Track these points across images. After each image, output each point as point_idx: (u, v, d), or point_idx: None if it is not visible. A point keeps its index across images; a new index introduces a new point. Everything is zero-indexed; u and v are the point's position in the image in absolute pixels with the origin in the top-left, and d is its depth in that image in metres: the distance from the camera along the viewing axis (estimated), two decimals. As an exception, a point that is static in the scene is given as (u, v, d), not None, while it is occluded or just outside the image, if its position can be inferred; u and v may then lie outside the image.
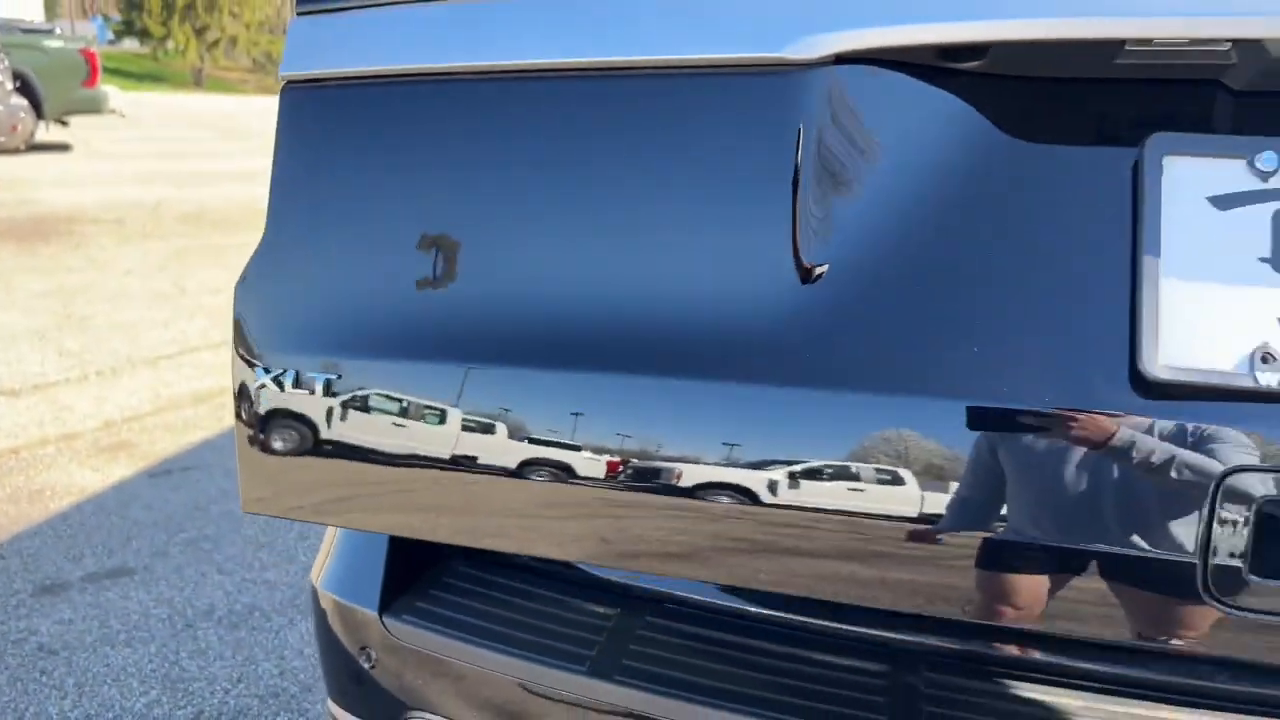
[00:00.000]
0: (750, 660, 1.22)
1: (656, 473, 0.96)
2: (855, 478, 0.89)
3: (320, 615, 1.44)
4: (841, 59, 0.91)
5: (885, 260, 0.90)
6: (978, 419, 0.86)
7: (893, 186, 0.91)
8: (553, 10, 1.02)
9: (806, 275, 0.91)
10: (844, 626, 1.25)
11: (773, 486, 0.92)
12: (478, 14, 1.05)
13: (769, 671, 1.21)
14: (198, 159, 14.03)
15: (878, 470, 0.88)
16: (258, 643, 2.81)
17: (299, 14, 1.13)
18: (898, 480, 0.88)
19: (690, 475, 0.95)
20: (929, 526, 0.88)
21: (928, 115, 0.92)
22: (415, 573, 1.40)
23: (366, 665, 1.37)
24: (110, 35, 41.31)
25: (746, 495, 0.93)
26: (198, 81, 37.52)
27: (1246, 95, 0.87)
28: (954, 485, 0.86)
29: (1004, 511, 0.86)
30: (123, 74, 31.20)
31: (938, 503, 0.87)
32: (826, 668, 1.21)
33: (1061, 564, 0.86)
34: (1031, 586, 0.87)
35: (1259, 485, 0.79)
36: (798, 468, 0.91)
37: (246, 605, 3.00)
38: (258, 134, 16.82)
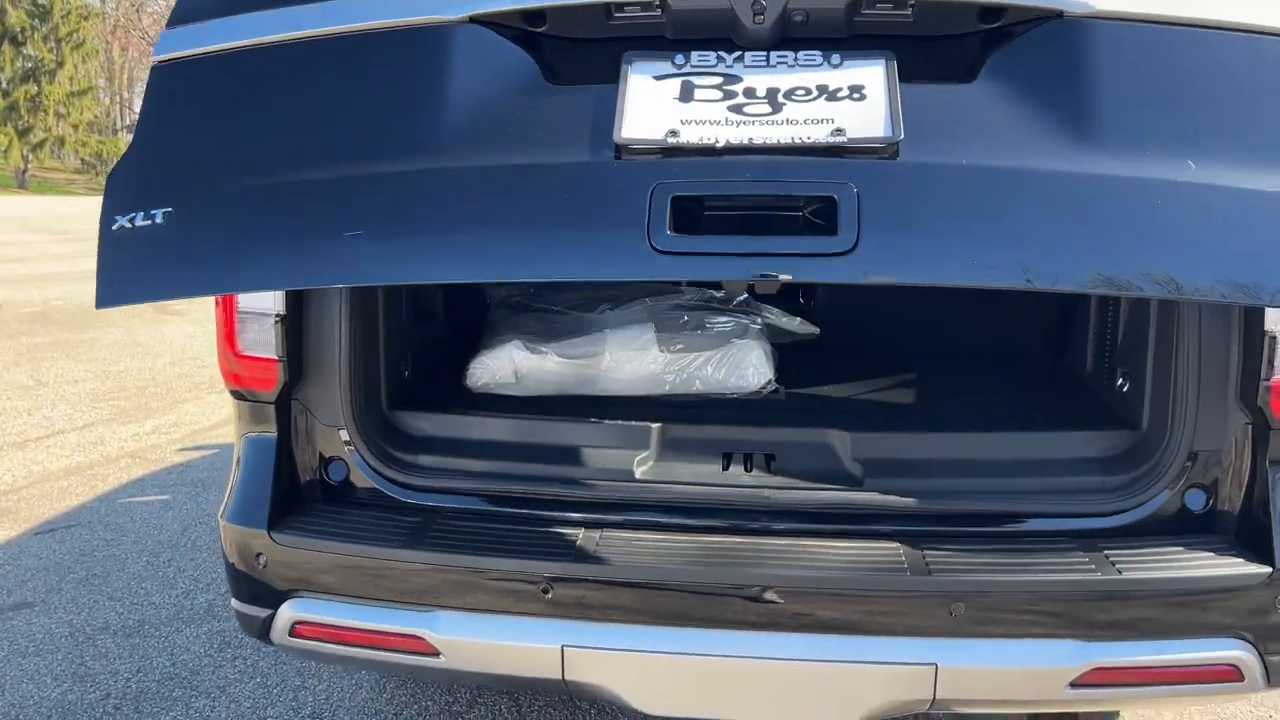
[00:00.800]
0: (486, 531, 2.11)
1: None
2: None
3: (227, 541, 2.22)
4: (474, 20, 1.90)
5: (501, 117, 1.86)
6: (555, 169, 1.80)
7: (502, 91, 1.88)
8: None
9: (445, 134, 1.83)
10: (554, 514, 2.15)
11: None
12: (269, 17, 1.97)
13: (502, 536, 2.10)
14: (35, 262, 14.10)
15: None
16: (151, 645, 3.45)
17: (166, 29, 2.06)
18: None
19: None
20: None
21: (523, 58, 1.91)
22: (289, 507, 2.21)
23: (260, 567, 2.16)
24: (-77, 138, 39.63)
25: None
26: (21, 183, 36.41)
27: (677, 41, 1.92)
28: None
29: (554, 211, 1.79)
30: (-60, 178, 30.13)
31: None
32: (537, 531, 2.11)
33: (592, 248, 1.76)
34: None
35: (670, 189, 1.68)
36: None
37: (138, 620, 3.63)
38: (95, 237, 16.85)
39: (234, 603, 2.26)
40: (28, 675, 3.26)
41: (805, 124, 1.74)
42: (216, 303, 2.26)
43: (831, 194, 1.65)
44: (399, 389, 2.45)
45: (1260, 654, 2.00)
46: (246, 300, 2.19)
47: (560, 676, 2.03)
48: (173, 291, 1.90)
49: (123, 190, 1.88)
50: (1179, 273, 1.60)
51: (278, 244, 1.82)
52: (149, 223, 1.81)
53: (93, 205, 24.98)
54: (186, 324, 9.47)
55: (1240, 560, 2.01)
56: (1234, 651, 1.99)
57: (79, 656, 3.37)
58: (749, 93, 1.81)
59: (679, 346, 2.63)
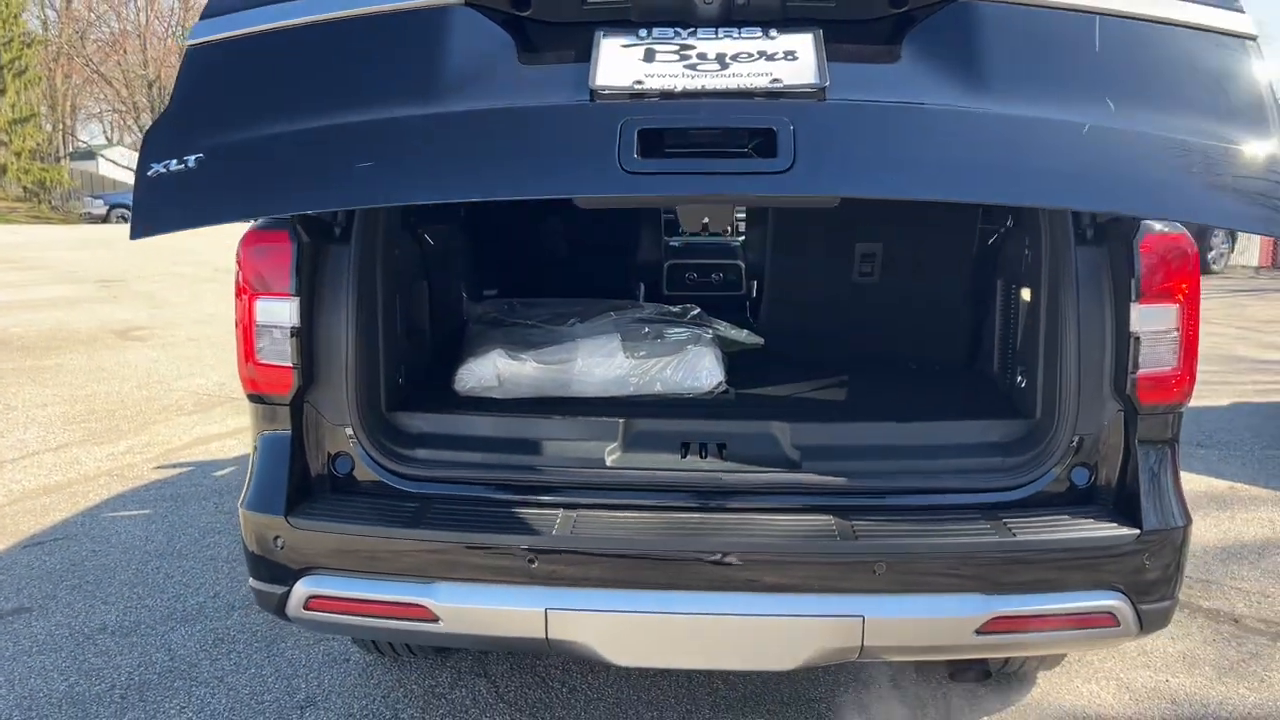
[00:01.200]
0: (477, 513, 2.43)
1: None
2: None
3: (246, 527, 2.51)
4: (469, 4, 2.28)
5: (493, 78, 2.22)
6: (539, 110, 2.18)
7: (493, 59, 2.24)
8: None
9: (443, 91, 2.18)
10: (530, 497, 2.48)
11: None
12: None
13: (491, 517, 2.43)
14: (-14, 290, 14.03)
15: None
16: (148, 643, 3.69)
17: (199, 21, 2.40)
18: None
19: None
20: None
21: (508, 35, 2.30)
22: (302, 496, 2.52)
23: (278, 549, 2.46)
24: None
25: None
26: (-38, 212, 35.76)
27: (640, 22, 2.30)
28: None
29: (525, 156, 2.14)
30: (-122, 207, 29.52)
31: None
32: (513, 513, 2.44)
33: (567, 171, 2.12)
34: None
35: (636, 124, 2.02)
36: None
37: (133, 621, 3.87)
38: (46, 265, 16.79)
39: (252, 582, 2.55)
40: (34, 672, 3.48)
41: (749, 76, 2.14)
42: (237, 321, 2.57)
43: (772, 126, 2.02)
44: (396, 393, 2.77)
45: (1133, 603, 2.39)
46: (264, 315, 2.51)
47: (544, 636, 2.35)
48: (203, 219, 2.21)
49: (159, 144, 2.19)
50: (1038, 185, 2.06)
51: (300, 176, 2.15)
52: (183, 167, 2.11)
53: (38, 234, 24.71)
54: (149, 349, 9.60)
55: (1115, 524, 2.41)
56: (1111, 601, 2.38)
57: (81, 654, 3.61)
58: (701, 56, 2.22)
59: (641, 353, 2.99)
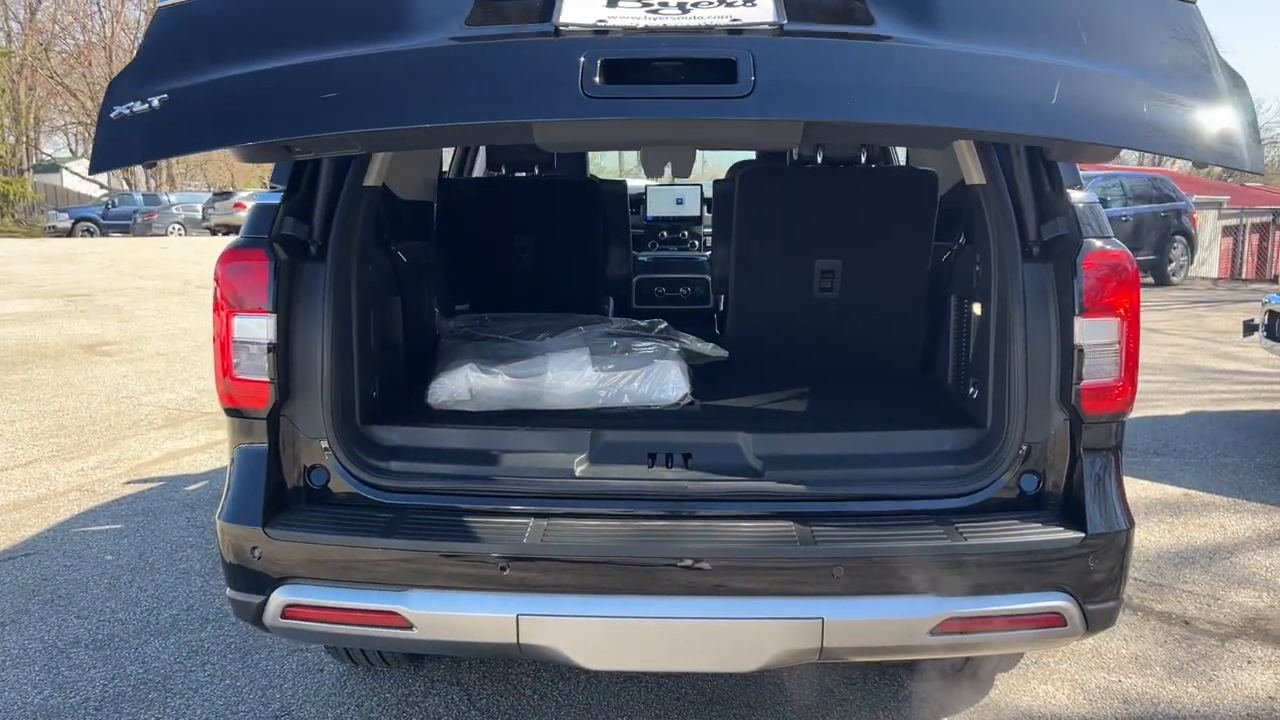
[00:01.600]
0: (449, 522, 2.51)
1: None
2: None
3: (224, 538, 2.57)
4: None
5: (458, 27, 2.24)
6: (506, 44, 2.24)
7: (452, 8, 2.27)
8: None
9: (407, 38, 2.20)
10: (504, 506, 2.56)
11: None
12: None
13: (464, 526, 2.50)
14: (-50, 305, 13.87)
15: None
16: (122, 655, 3.72)
17: None
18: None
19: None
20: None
21: None
22: (278, 507, 2.58)
23: (256, 559, 2.52)
24: None
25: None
26: (-78, 226, 35.25)
27: None
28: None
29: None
30: None
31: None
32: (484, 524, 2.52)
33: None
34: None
35: (598, 54, 2.06)
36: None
37: (107, 635, 3.89)
38: (11, 279, 16.62)
39: (229, 592, 2.61)
40: (8, 685, 3.50)
41: (709, 18, 2.24)
42: (214, 337, 2.63)
43: (731, 56, 2.08)
44: (370, 406, 2.85)
45: (1079, 604, 2.50)
46: (242, 331, 2.57)
47: (515, 641, 2.43)
48: (166, 151, 2.31)
49: (122, 90, 2.21)
50: (993, 111, 2.13)
51: (264, 106, 2.18)
52: (146, 107, 2.14)
53: (1, 248, 24.38)
54: (117, 364, 9.56)
55: (1061, 528, 2.52)
56: (1058, 602, 2.49)
57: (55, 668, 3.63)
58: (663, 3, 2.31)
59: (610, 366, 3.08)
